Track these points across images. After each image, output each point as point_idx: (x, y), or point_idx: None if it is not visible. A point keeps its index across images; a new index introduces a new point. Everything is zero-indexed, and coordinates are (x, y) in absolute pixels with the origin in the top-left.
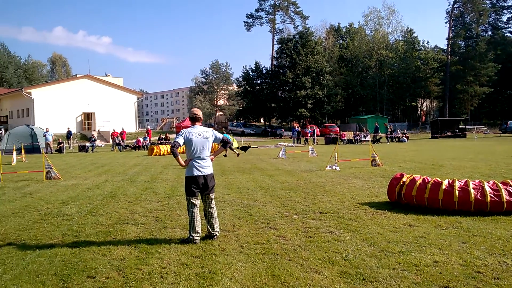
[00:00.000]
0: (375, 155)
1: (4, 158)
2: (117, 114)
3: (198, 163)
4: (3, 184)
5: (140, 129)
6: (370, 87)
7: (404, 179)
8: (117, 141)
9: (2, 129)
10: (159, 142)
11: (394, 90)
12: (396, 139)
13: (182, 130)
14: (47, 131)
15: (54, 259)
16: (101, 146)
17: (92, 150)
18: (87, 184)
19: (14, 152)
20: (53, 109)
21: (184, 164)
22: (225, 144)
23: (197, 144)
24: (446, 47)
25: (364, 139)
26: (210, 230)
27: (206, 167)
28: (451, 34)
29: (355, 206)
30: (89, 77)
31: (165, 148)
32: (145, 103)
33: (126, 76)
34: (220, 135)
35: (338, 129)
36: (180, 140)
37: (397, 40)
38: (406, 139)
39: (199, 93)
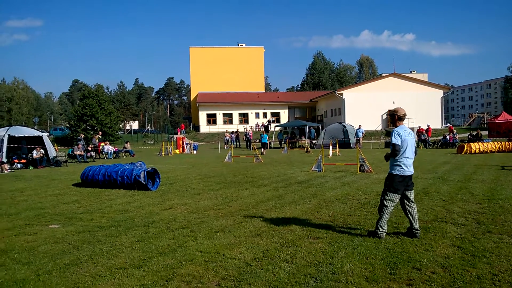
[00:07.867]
0: None
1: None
2: (422, 110)
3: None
4: (324, 173)
5: (444, 125)
6: None
7: None
8: (423, 138)
9: (319, 126)
10: (469, 139)
11: None
12: None
13: (396, 130)
14: (359, 128)
15: (379, 246)
16: None
17: None
18: None
19: (330, 147)
20: (361, 108)
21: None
22: None
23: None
24: None
25: None
26: None
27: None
28: None
29: None
30: (395, 75)
31: (477, 146)
32: (450, 97)
33: (430, 71)
34: None
35: None
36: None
37: None
38: None
39: None
